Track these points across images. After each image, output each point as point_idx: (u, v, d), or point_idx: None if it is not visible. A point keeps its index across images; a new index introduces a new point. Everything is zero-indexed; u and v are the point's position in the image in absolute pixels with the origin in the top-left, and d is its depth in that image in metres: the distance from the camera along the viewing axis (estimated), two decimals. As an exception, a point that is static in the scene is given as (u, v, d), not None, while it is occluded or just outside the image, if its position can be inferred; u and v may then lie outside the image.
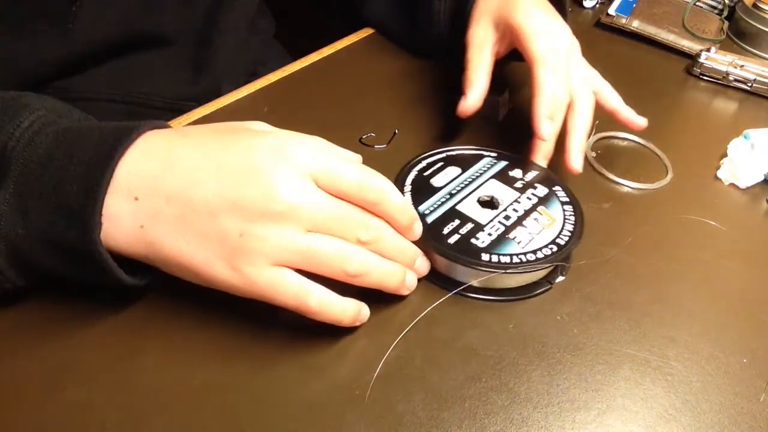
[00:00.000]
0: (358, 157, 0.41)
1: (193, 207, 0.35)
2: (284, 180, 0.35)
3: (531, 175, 0.50)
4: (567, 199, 0.48)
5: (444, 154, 0.51)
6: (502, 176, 0.50)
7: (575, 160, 0.52)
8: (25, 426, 0.34)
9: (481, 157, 0.51)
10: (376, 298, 0.42)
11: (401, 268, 0.40)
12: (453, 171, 0.49)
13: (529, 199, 0.48)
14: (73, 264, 0.35)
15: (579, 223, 0.46)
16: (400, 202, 0.40)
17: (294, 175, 0.35)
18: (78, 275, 0.36)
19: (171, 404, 0.35)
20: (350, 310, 0.38)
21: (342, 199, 0.37)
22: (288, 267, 0.36)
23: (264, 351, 0.39)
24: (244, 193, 0.34)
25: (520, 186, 0.49)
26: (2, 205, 0.34)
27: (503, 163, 0.51)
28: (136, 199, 0.35)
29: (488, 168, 0.50)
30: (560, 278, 0.46)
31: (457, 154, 0.51)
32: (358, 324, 0.40)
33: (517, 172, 0.50)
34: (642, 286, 0.46)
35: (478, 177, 0.49)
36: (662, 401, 0.39)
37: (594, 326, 0.43)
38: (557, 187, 0.49)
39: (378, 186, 0.38)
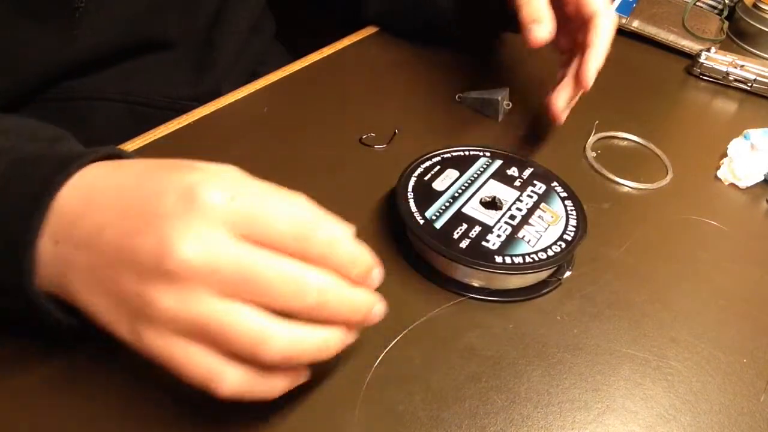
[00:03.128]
0: (300, 198, 0.32)
1: (99, 256, 0.30)
2: (182, 231, 0.28)
3: (527, 172, 0.50)
4: (566, 194, 0.49)
5: (440, 157, 0.51)
6: (501, 175, 0.50)
7: (588, 74, 0.50)
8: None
9: (477, 157, 0.51)
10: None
11: (344, 332, 0.32)
12: (452, 173, 0.49)
13: (530, 196, 0.48)
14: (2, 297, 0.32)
15: (581, 218, 0.47)
16: (353, 251, 0.31)
17: (199, 225, 0.28)
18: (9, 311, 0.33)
19: (171, 404, 0.35)
20: (281, 388, 0.31)
21: (276, 250, 0.29)
22: (191, 339, 0.28)
23: (264, 351, 0.38)
24: (140, 245, 0.28)
25: (519, 184, 0.49)
26: None
27: (498, 162, 0.51)
28: (57, 242, 0.30)
29: (485, 168, 0.50)
30: (568, 273, 0.46)
31: (452, 156, 0.51)
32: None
33: (513, 171, 0.50)
34: (642, 286, 0.46)
35: (477, 178, 0.49)
36: (662, 401, 0.39)
37: (594, 326, 0.43)
38: (555, 183, 0.50)
39: (323, 235, 0.30)
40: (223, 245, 0.28)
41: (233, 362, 0.29)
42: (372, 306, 0.32)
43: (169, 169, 0.31)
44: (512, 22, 0.57)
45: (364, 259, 0.32)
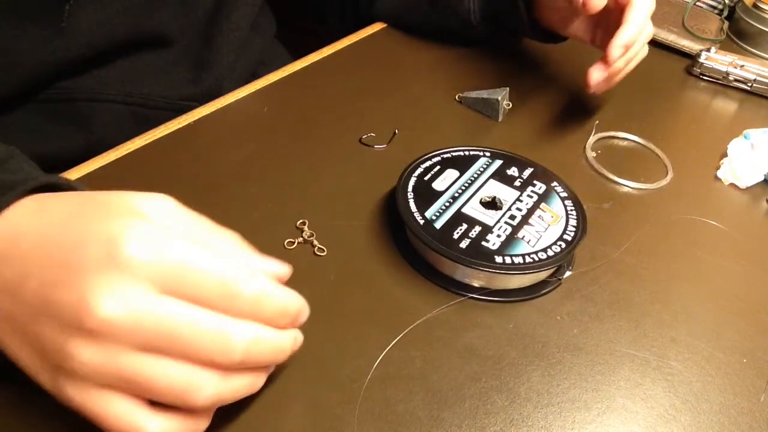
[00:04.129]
0: (230, 241, 0.32)
1: (21, 306, 0.29)
2: (103, 287, 0.27)
3: (527, 172, 0.50)
4: (566, 194, 0.49)
5: (440, 157, 0.51)
6: (500, 175, 0.50)
7: (613, 46, 0.53)
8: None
9: (477, 157, 0.51)
10: (377, 297, 0.42)
11: (267, 370, 0.33)
12: (452, 174, 0.49)
13: (530, 196, 0.48)
14: None
15: (582, 218, 0.47)
16: (281, 302, 0.31)
17: (120, 281, 0.27)
18: None
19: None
20: (206, 423, 0.31)
21: (202, 306, 0.29)
22: (114, 391, 0.28)
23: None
24: (61, 299, 0.27)
25: (519, 184, 0.49)
26: None
27: (498, 162, 0.51)
28: None
29: (485, 168, 0.50)
30: (568, 273, 0.46)
31: (452, 156, 0.51)
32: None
33: (513, 170, 0.50)
34: (642, 286, 0.46)
35: (477, 178, 0.49)
36: (662, 401, 0.39)
37: (594, 326, 0.43)
38: (555, 183, 0.50)
39: (250, 292, 0.29)
40: (145, 302, 0.27)
41: (155, 412, 0.29)
42: (295, 341, 0.33)
43: (93, 215, 0.29)
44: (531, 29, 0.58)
45: (292, 307, 0.32)
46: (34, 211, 0.31)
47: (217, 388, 0.29)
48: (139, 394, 0.28)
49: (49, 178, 0.33)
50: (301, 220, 0.47)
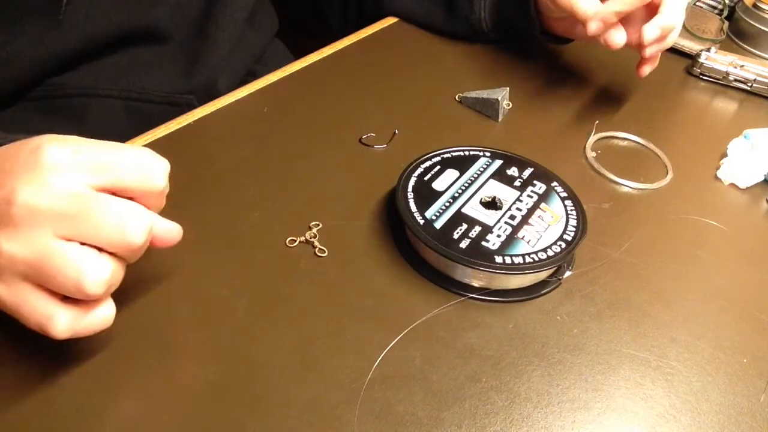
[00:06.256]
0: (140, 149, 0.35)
1: None
2: (27, 181, 0.31)
3: (527, 172, 0.50)
4: (566, 194, 0.49)
5: (440, 157, 0.51)
6: (500, 175, 0.50)
7: (647, 29, 0.56)
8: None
9: (477, 157, 0.51)
10: (377, 297, 0.42)
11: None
12: (451, 174, 0.49)
13: (530, 196, 0.48)
14: None
15: (581, 218, 0.47)
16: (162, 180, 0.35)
17: (43, 175, 0.31)
18: None
19: (172, 404, 0.35)
20: (107, 319, 0.34)
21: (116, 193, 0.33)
22: (30, 282, 0.31)
23: (264, 351, 0.39)
24: None
25: (519, 184, 0.49)
26: None
27: (498, 162, 0.51)
28: None
29: (485, 168, 0.50)
30: (568, 273, 0.46)
31: (452, 156, 0.51)
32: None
33: (513, 170, 0.50)
34: (642, 286, 0.46)
35: (477, 178, 0.49)
36: (662, 401, 0.39)
37: (594, 326, 0.43)
38: (555, 183, 0.50)
39: (163, 181, 0.34)
40: (62, 189, 0.31)
41: (64, 305, 0.32)
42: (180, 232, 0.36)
43: (20, 142, 0.33)
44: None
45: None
46: None
47: (110, 274, 0.32)
48: (46, 283, 0.31)
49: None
50: (312, 222, 0.47)
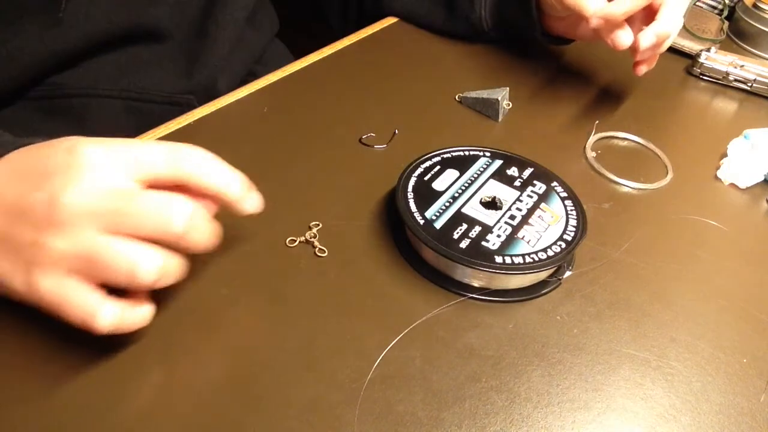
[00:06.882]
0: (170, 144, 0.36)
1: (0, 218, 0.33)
2: (67, 184, 0.32)
3: (527, 172, 0.50)
4: (566, 194, 0.49)
5: (439, 157, 0.51)
6: (500, 175, 0.50)
7: (642, 35, 0.56)
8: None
9: (477, 157, 0.51)
10: (377, 297, 0.42)
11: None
12: (452, 174, 0.49)
13: (530, 196, 0.48)
14: None
15: (581, 218, 0.47)
16: (220, 185, 0.36)
17: (81, 175, 0.33)
18: None
19: (172, 404, 0.35)
20: (147, 316, 0.35)
21: (157, 188, 0.34)
22: (77, 277, 0.33)
23: (263, 351, 0.39)
24: (33, 201, 0.33)
25: (519, 184, 0.49)
26: None
27: (499, 162, 0.51)
28: None
29: (485, 168, 0.50)
30: (568, 273, 0.46)
31: (452, 156, 0.51)
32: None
33: (513, 170, 0.50)
34: (642, 286, 0.46)
35: (477, 178, 0.49)
36: (662, 401, 0.39)
37: (594, 326, 0.43)
38: (555, 183, 0.50)
39: (193, 161, 0.35)
40: (103, 187, 0.32)
41: (109, 299, 0.33)
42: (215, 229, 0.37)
43: (51, 143, 0.35)
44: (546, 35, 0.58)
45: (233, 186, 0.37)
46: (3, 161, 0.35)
47: (162, 261, 0.33)
48: (97, 276, 0.33)
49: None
50: (312, 222, 0.47)
